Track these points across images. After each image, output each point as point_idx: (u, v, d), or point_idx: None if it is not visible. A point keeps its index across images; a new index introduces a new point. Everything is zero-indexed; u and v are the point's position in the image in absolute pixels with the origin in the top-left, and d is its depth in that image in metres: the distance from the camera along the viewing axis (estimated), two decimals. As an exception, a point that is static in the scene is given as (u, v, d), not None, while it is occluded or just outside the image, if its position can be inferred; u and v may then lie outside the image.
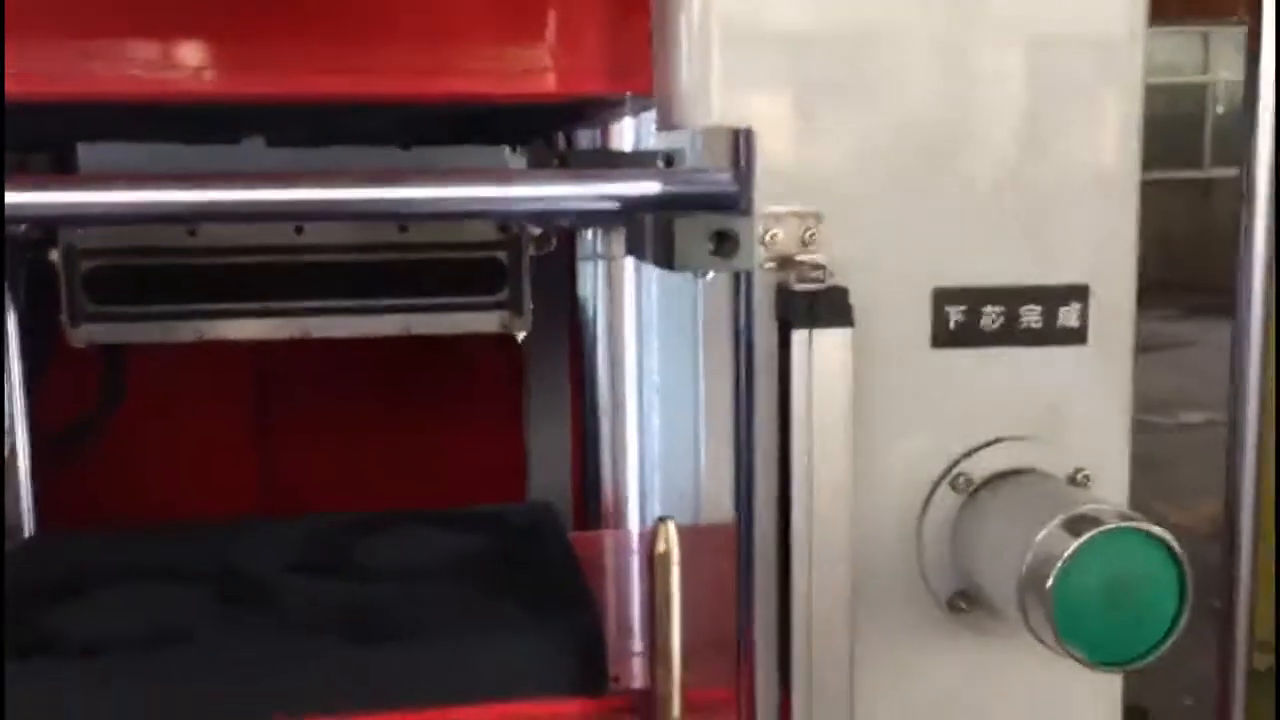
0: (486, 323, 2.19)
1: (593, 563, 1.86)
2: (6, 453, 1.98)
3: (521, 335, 2.20)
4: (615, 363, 2.32)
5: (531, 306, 2.22)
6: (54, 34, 1.42)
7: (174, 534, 1.85)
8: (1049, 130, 1.00)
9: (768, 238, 0.96)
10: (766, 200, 0.97)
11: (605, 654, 1.43)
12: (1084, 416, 1.02)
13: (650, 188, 1.26)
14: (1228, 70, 13.43)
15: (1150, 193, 2.51)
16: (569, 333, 2.39)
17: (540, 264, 2.20)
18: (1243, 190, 1.74)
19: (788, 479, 0.91)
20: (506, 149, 2.26)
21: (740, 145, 0.96)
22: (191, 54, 1.41)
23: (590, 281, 2.31)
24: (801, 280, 0.92)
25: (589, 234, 2.26)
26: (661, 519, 1.34)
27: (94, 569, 1.67)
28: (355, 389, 2.51)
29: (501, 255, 2.24)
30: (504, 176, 1.33)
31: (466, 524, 1.86)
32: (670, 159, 1.88)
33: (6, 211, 1.42)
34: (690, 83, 0.96)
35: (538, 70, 1.38)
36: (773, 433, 0.94)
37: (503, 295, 2.25)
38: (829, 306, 0.90)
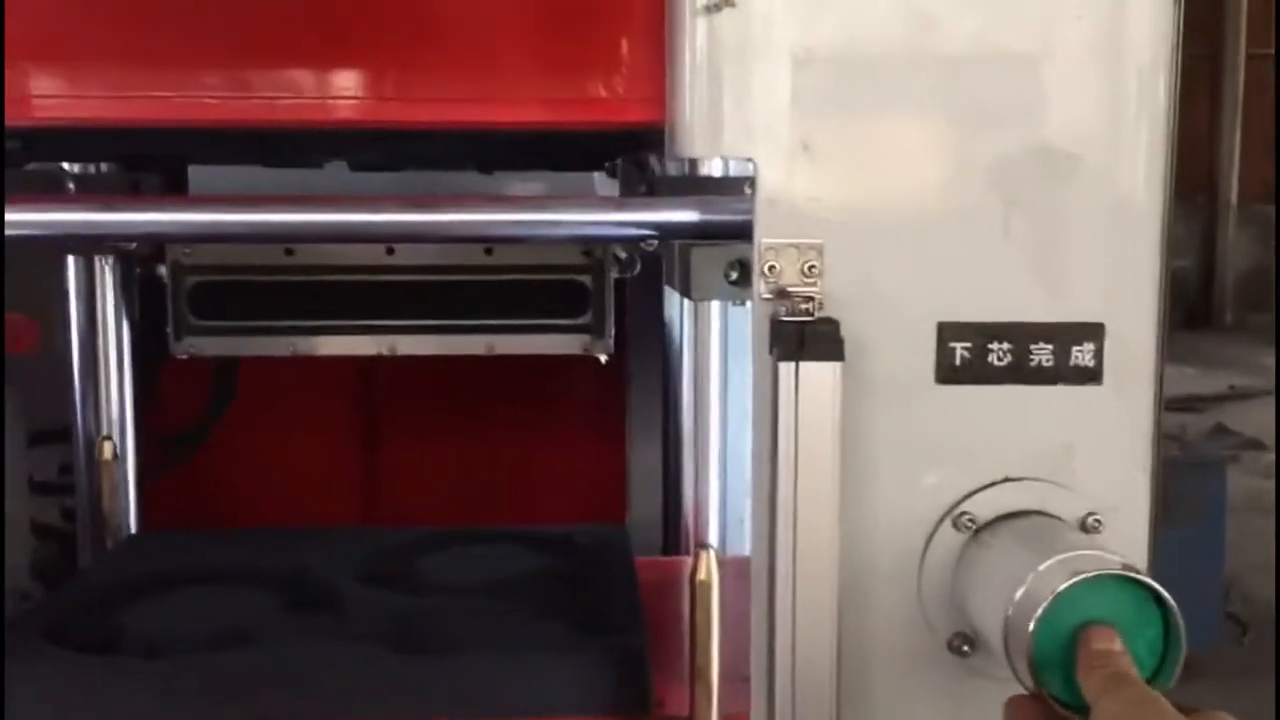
0: (569, 345, 2.22)
1: (661, 588, 1.86)
2: (109, 455, 2.08)
3: (604, 358, 2.22)
4: (700, 386, 2.32)
5: (614, 329, 2.25)
6: (158, 63, 1.50)
7: (254, 539, 1.93)
8: (1066, 155, 0.98)
9: (766, 270, 0.96)
10: (769, 232, 0.97)
11: (649, 677, 1.44)
12: (1099, 458, 0.99)
13: (688, 216, 1.27)
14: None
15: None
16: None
17: (639, 287, 2.23)
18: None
19: (774, 505, 0.91)
20: (596, 175, 2.29)
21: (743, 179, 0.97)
22: (275, 83, 1.48)
23: (676, 304, 2.32)
24: (793, 312, 0.92)
25: (676, 257, 2.27)
26: (701, 546, 1.34)
27: (172, 571, 1.76)
28: (463, 406, 2.57)
29: (584, 279, 2.27)
30: (540, 204, 1.35)
31: (535, 544, 1.89)
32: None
33: (125, 230, 1.51)
34: (696, 113, 0.97)
35: (588, 100, 1.40)
36: (766, 463, 0.94)
37: (585, 318, 2.28)
38: (818, 339, 0.90)
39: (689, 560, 2.26)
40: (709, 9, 0.94)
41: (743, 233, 1.24)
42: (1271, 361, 9.77)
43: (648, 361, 2.37)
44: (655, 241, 1.51)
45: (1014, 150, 0.98)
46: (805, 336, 0.89)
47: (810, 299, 0.92)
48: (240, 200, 1.51)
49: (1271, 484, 6.00)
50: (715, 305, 2.27)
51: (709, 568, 1.30)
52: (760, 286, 0.96)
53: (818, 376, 0.89)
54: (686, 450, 2.34)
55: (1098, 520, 0.98)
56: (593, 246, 2.11)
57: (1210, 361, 9.72)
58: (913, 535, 0.98)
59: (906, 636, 0.99)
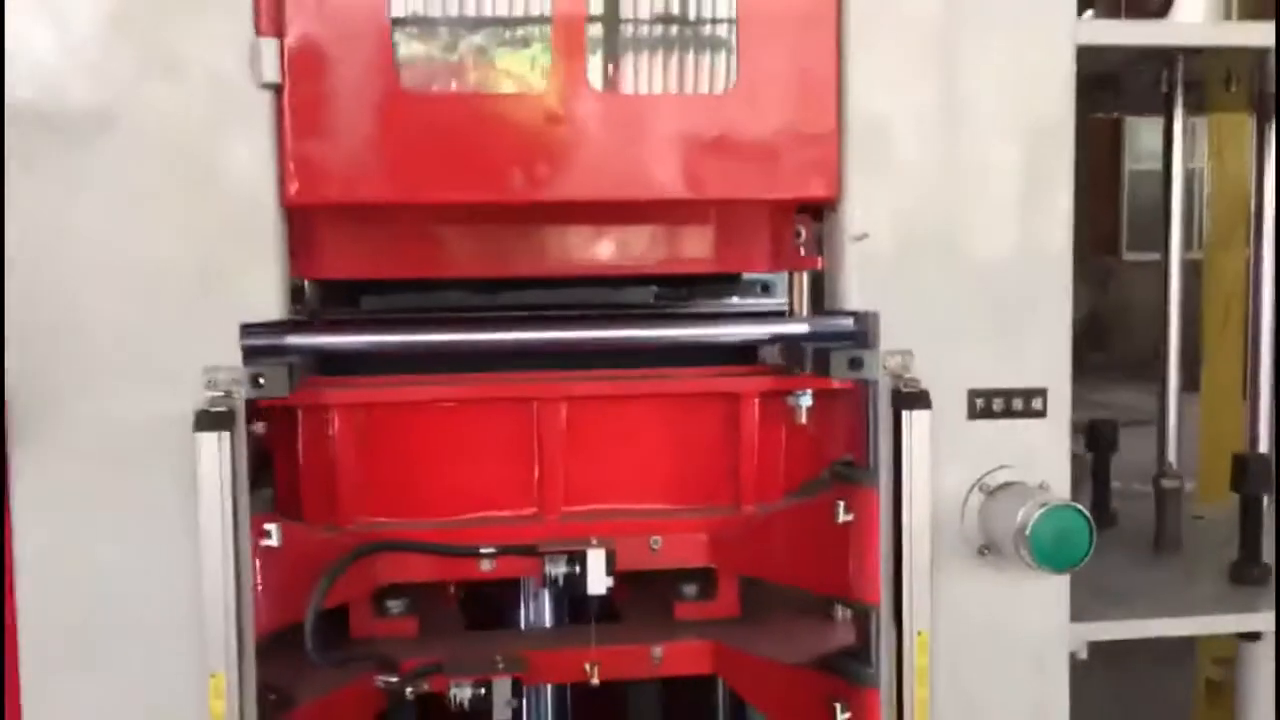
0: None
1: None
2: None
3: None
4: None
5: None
6: (388, 227, 2.32)
7: None
8: (1031, 282, 1.98)
9: (886, 364, 1.93)
10: (888, 345, 1.94)
11: None
12: (1044, 457, 2.00)
13: (801, 328, 2.23)
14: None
15: (1149, 275, 3.15)
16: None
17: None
18: (1163, 275, 2.70)
19: (899, 485, 1.88)
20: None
21: (871, 319, 1.94)
22: (507, 244, 2.35)
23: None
24: (906, 386, 1.89)
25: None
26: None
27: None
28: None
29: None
30: (710, 321, 2.30)
31: None
32: (766, 285, 2.83)
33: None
34: (839, 285, 1.95)
35: (735, 258, 2.36)
36: (889, 464, 1.91)
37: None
38: (920, 400, 1.88)
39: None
40: (855, 239, 1.92)
41: (832, 338, 2.19)
42: (1106, 398, 11.16)
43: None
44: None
45: (999, 280, 1.98)
46: (915, 398, 1.87)
47: (915, 380, 1.90)
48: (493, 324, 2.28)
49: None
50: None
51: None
52: (883, 373, 1.93)
53: (920, 418, 1.87)
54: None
55: (1046, 485, 1.97)
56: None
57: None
58: (958, 496, 1.97)
59: (956, 547, 1.97)
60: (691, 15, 2.10)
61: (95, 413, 1.82)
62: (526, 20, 2.13)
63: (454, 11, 2.00)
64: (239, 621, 1.78)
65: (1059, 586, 2.01)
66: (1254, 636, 2.25)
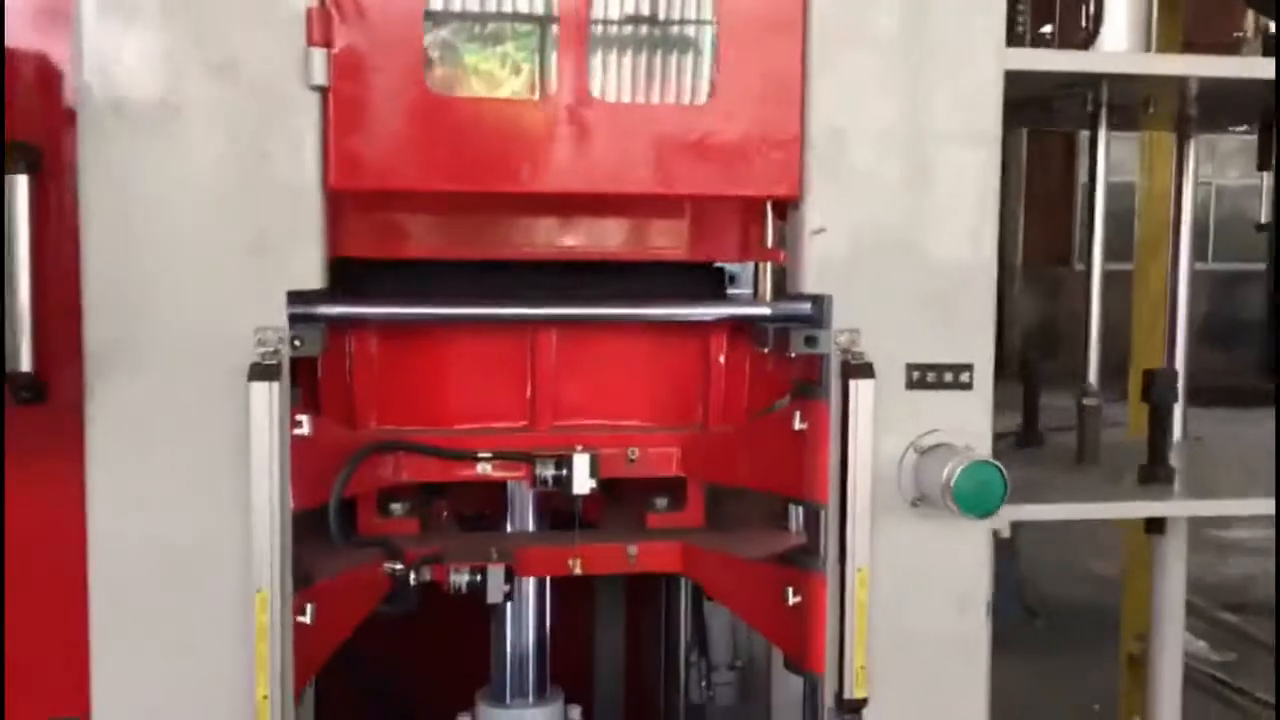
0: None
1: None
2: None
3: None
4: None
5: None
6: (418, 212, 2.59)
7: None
8: (961, 267, 2.32)
9: (837, 340, 2.26)
10: (839, 325, 2.27)
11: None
12: (970, 423, 2.34)
13: (764, 310, 2.56)
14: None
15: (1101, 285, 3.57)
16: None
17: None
18: (1087, 284, 3.06)
19: (845, 444, 2.21)
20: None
21: (825, 301, 2.27)
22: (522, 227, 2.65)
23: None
24: (853, 359, 2.22)
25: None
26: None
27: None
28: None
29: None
30: (680, 302, 2.60)
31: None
32: (732, 276, 3.14)
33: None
34: (799, 272, 2.27)
35: (706, 248, 2.68)
36: (838, 424, 2.23)
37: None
38: (865, 370, 2.21)
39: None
40: (813, 233, 2.25)
41: (791, 319, 2.51)
42: (1054, 402, 11.62)
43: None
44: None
45: (935, 270, 2.31)
46: (861, 369, 2.20)
47: (860, 353, 2.23)
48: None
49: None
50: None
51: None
52: (835, 348, 2.26)
53: (865, 386, 2.20)
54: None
55: (970, 446, 2.31)
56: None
57: (1000, 405, 11.44)
58: (897, 455, 2.30)
59: (893, 499, 2.30)
60: (661, 16, 2.41)
61: (162, 366, 2.12)
62: (530, 18, 2.43)
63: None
64: (281, 544, 2.08)
65: (979, 537, 2.36)
66: (1159, 527, 2.66)
